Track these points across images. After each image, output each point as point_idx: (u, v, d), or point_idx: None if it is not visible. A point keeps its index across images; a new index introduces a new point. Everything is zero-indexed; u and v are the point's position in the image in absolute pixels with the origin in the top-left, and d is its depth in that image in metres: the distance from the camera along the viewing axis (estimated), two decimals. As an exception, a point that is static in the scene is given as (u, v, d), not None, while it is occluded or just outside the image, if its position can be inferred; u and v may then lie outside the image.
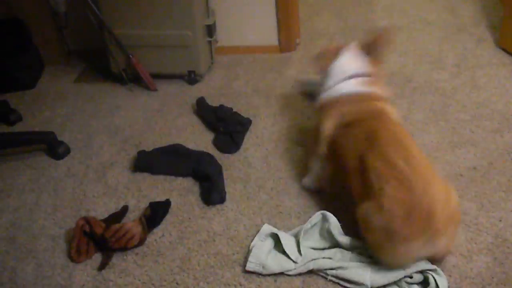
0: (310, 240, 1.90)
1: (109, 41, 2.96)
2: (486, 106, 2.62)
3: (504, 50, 3.08)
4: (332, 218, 1.91)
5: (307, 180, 2.19)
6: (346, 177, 1.85)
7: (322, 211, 1.95)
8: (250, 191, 2.22)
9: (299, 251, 1.83)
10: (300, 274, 1.82)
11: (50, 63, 3.40)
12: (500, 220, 1.97)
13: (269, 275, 1.83)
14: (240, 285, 1.81)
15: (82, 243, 1.96)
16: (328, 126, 1.95)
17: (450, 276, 1.77)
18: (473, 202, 2.07)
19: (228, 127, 2.54)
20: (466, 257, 1.84)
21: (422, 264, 1.73)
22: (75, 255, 1.94)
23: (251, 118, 2.65)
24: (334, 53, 2.09)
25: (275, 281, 1.81)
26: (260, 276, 1.83)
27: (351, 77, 1.99)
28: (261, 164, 2.37)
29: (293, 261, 1.81)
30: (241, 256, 1.92)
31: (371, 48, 2.04)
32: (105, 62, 3.09)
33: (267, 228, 1.98)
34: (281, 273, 1.82)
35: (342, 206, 2.07)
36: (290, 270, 1.81)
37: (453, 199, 1.69)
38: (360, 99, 1.95)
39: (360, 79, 1.99)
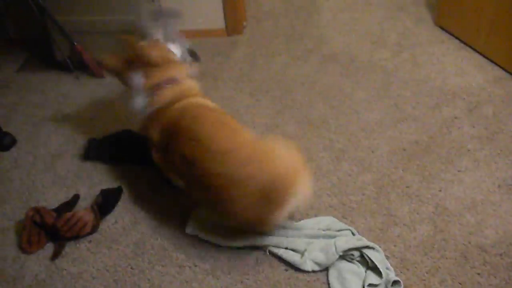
0: None
1: (52, 28, 2.90)
2: (425, 83, 2.73)
3: (442, 28, 3.20)
4: None
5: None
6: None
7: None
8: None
9: None
10: (252, 252, 1.87)
11: (-9, 53, 3.30)
12: (440, 190, 2.08)
13: (223, 255, 1.87)
14: (195, 265, 1.85)
15: (33, 234, 1.94)
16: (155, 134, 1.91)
17: (395, 246, 1.87)
18: (415, 174, 2.17)
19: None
20: (409, 227, 1.94)
21: (355, 241, 1.81)
22: (26, 245, 1.93)
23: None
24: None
25: (229, 260, 1.86)
26: (213, 256, 1.87)
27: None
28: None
29: None
30: (195, 238, 1.95)
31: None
32: (49, 50, 3.03)
33: None
34: (235, 253, 1.87)
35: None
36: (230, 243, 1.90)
37: (290, 154, 1.77)
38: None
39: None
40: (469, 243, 1.86)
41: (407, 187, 2.11)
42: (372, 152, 2.31)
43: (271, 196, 1.64)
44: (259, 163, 1.66)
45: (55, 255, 1.91)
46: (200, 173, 1.69)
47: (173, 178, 2.04)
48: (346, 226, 1.92)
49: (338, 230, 1.90)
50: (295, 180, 1.69)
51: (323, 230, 1.90)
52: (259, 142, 1.77)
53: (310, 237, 1.89)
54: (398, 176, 2.17)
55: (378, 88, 2.72)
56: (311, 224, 1.94)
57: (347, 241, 1.81)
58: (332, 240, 1.83)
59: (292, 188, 1.67)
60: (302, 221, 1.96)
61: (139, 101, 1.93)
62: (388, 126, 2.45)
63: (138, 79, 1.93)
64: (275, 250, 1.85)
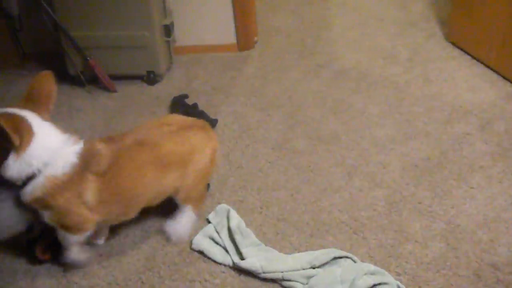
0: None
1: (65, 43, 2.94)
2: (437, 99, 2.73)
3: (453, 44, 3.20)
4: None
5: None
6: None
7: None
8: (211, 188, 2.25)
9: (239, 252, 1.91)
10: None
11: (5, 67, 3.33)
12: (453, 207, 2.07)
13: (233, 270, 1.87)
14: (205, 280, 1.84)
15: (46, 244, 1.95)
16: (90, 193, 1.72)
17: (407, 262, 1.85)
18: (427, 190, 2.16)
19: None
20: (421, 243, 1.92)
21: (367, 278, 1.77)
22: (40, 254, 1.93)
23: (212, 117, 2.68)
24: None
25: (239, 275, 1.85)
26: (224, 271, 1.87)
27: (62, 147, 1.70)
28: (222, 161, 2.41)
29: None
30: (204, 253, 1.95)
31: (37, 101, 1.72)
32: (62, 64, 3.06)
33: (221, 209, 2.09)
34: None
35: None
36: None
37: None
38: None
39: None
40: (482, 260, 1.84)
41: (419, 203, 2.10)
42: (384, 168, 2.30)
43: None
44: None
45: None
46: None
47: None
48: (346, 254, 1.87)
49: (338, 258, 1.86)
50: None
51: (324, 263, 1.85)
52: None
53: (309, 266, 1.84)
54: (410, 192, 2.16)
55: (389, 104, 2.72)
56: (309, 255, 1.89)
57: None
58: (337, 273, 1.78)
59: None
60: (300, 253, 1.91)
61: None
62: (400, 142, 2.44)
63: None
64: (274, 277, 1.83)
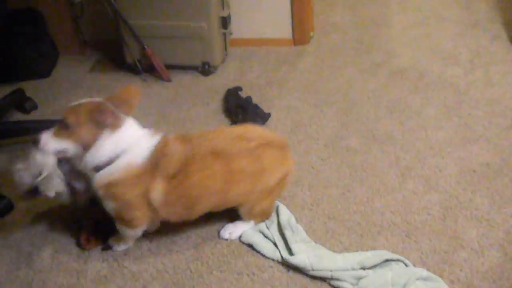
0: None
1: (124, 31, 2.99)
2: (499, 103, 2.63)
3: (518, 46, 3.08)
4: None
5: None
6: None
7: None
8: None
9: (288, 248, 1.89)
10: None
11: (65, 53, 3.42)
12: (512, 216, 1.99)
13: (282, 265, 1.86)
14: (253, 274, 1.84)
15: (91, 232, 1.99)
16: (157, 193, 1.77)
17: (461, 270, 1.79)
18: (485, 197, 2.08)
19: (246, 117, 2.56)
20: (477, 252, 1.86)
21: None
22: (84, 242, 1.98)
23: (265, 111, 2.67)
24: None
25: (287, 271, 1.84)
26: (272, 266, 1.86)
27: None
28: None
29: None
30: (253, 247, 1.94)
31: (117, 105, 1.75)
32: (120, 52, 3.12)
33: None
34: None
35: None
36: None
37: None
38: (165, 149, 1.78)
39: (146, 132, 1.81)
40: (542, 274, 1.76)
41: (475, 209, 2.03)
42: (440, 171, 2.23)
43: None
44: None
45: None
46: None
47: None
48: (398, 257, 1.83)
49: (389, 260, 1.82)
50: None
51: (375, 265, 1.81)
52: None
53: (359, 267, 1.80)
54: (467, 198, 2.09)
55: (448, 106, 2.64)
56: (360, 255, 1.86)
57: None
58: (388, 276, 1.75)
59: None
60: (351, 253, 1.88)
61: None
62: (458, 146, 2.37)
63: None
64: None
